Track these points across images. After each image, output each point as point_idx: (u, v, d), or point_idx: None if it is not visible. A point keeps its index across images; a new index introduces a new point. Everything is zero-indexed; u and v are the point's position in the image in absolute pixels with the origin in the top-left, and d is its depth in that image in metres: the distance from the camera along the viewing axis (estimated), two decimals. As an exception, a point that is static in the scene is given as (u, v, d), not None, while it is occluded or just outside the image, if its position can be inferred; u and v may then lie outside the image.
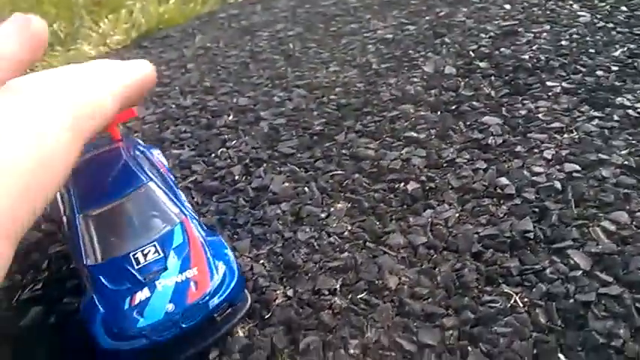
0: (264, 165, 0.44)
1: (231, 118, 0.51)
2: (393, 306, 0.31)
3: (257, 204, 0.40)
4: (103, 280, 0.28)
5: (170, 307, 0.27)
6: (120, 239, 0.30)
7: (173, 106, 0.55)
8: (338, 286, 0.32)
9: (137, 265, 0.28)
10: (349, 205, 0.38)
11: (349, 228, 0.36)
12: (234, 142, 0.47)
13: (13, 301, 0.36)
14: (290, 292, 0.33)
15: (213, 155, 0.46)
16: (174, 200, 0.32)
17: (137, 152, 0.35)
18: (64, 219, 0.33)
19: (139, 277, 0.28)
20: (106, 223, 0.31)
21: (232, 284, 0.29)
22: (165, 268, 0.28)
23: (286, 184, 0.41)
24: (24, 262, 0.39)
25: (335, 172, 0.41)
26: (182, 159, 0.46)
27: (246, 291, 0.31)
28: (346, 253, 0.34)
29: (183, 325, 0.27)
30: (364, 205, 0.38)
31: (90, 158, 0.36)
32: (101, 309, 0.28)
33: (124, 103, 0.22)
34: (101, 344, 0.27)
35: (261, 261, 0.35)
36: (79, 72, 0.20)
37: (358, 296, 0.31)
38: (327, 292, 0.32)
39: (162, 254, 0.29)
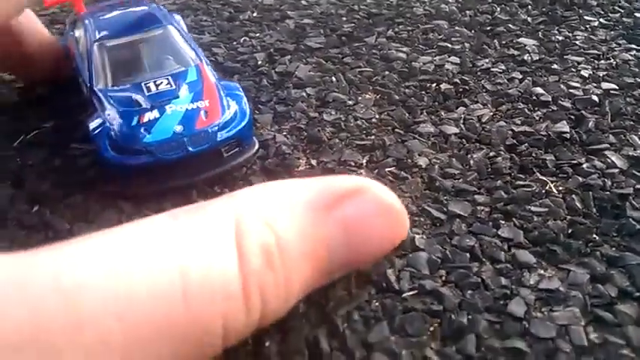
0: (290, 55, 0.42)
1: (255, 14, 0.49)
2: (422, 181, 0.29)
3: (281, 86, 0.38)
4: (112, 101, 0.29)
5: (178, 128, 0.27)
6: (133, 70, 0.31)
7: (193, -1, 0.53)
8: (364, 161, 0.31)
9: (148, 92, 0.29)
10: (378, 96, 0.37)
11: (377, 116, 0.35)
12: (258, 34, 0.45)
13: (14, 144, 0.34)
14: (314, 162, 0.31)
15: (235, 43, 0.44)
16: (192, 47, 0.33)
17: (159, 8, 0.36)
18: (78, 53, 0.34)
19: (150, 102, 0.28)
20: (121, 55, 0.31)
21: (243, 123, 0.29)
22: (177, 97, 0.29)
23: (312, 73, 0.39)
24: (27, 110, 0.36)
25: (364, 69, 0.40)
26: (202, 42, 0.44)
27: (254, 138, 0.31)
28: (374, 136, 0.33)
29: (190, 149, 0.27)
30: (394, 98, 0.36)
31: (112, 3, 0.36)
32: (107, 124, 0.28)
33: None
34: (104, 156, 0.27)
35: (284, 133, 0.33)
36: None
37: (386, 169, 0.30)
38: (353, 164, 0.31)
39: (174, 86, 0.29)
